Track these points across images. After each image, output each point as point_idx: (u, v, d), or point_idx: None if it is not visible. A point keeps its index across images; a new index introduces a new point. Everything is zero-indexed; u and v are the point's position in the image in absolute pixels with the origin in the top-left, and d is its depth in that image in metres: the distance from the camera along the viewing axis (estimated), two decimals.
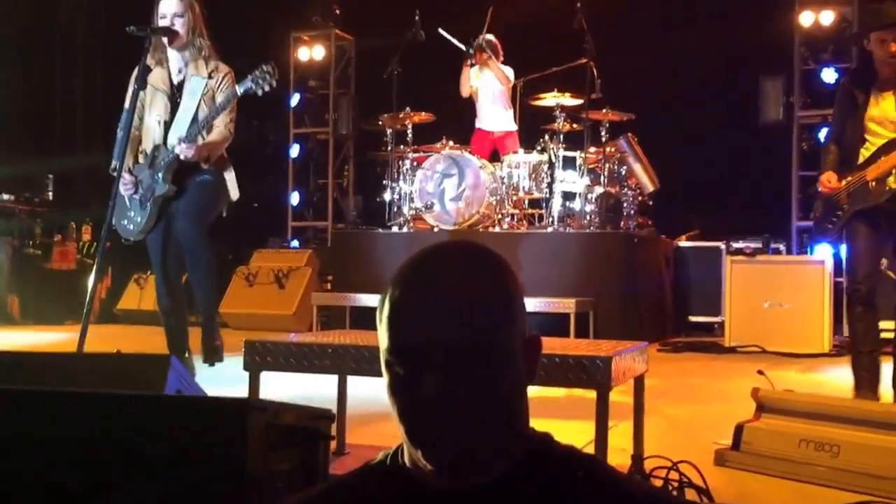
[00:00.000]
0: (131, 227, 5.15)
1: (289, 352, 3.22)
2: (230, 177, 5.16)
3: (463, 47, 9.47)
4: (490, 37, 9.51)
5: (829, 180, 4.90)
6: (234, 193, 5.15)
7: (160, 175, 4.99)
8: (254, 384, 3.28)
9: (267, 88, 4.91)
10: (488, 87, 9.48)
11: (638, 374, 3.52)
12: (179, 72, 5.10)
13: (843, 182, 4.88)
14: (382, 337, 1.39)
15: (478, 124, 9.51)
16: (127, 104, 4.92)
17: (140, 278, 10.42)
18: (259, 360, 3.25)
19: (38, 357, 2.99)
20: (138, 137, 5.11)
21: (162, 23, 4.97)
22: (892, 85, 4.86)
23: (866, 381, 4.86)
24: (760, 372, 4.00)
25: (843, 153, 4.97)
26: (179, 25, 4.99)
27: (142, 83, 4.75)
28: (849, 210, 4.86)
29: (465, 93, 9.55)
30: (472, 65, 9.45)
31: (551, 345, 3.36)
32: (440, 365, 1.32)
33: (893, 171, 4.72)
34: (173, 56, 5.10)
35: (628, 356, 3.31)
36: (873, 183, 4.76)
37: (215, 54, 5.14)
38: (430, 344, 1.33)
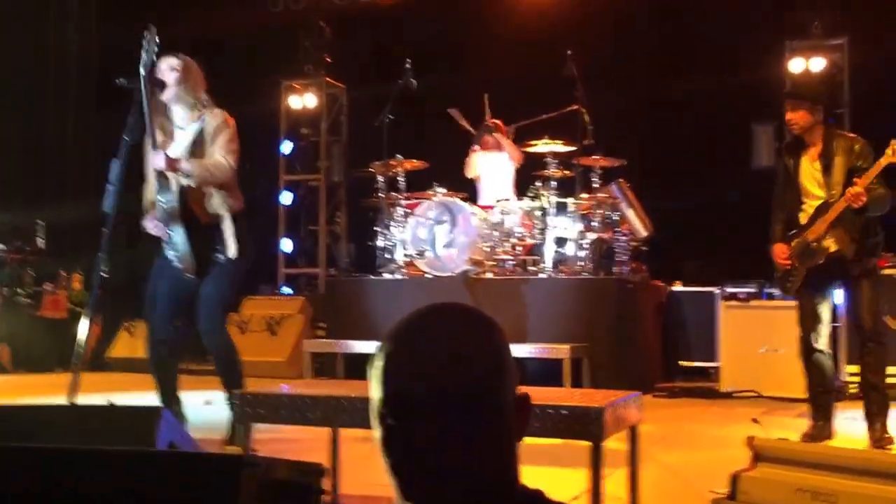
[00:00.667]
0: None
1: (280, 403, 3.20)
2: (229, 231, 5.05)
3: (473, 131, 9.51)
4: (495, 121, 9.55)
5: (782, 253, 5.60)
6: (231, 251, 5.05)
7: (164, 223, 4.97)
8: (245, 436, 3.25)
9: (155, 49, 4.83)
10: (496, 170, 9.49)
11: (632, 424, 3.49)
12: (179, 128, 5.10)
13: (793, 243, 5.56)
14: (375, 390, 1.40)
15: (479, 202, 9.41)
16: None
17: (130, 326, 10.38)
18: (251, 411, 3.23)
19: (28, 410, 2.95)
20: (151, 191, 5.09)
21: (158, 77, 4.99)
22: (815, 149, 5.53)
23: (820, 417, 5.59)
24: (755, 420, 3.98)
25: (787, 216, 5.65)
26: (171, 78, 5.00)
27: (131, 134, 4.73)
28: (800, 270, 5.56)
29: (469, 175, 9.58)
30: (478, 149, 9.51)
31: (544, 395, 3.33)
32: (432, 416, 1.33)
33: (828, 232, 5.41)
34: (174, 113, 5.11)
35: (622, 406, 3.29)
36: (814, 244, 5.46)
37: (212, 105, 5.14)
38: (423, 395, 1.34)
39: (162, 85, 4.97)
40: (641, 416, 3.60)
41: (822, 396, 5.65)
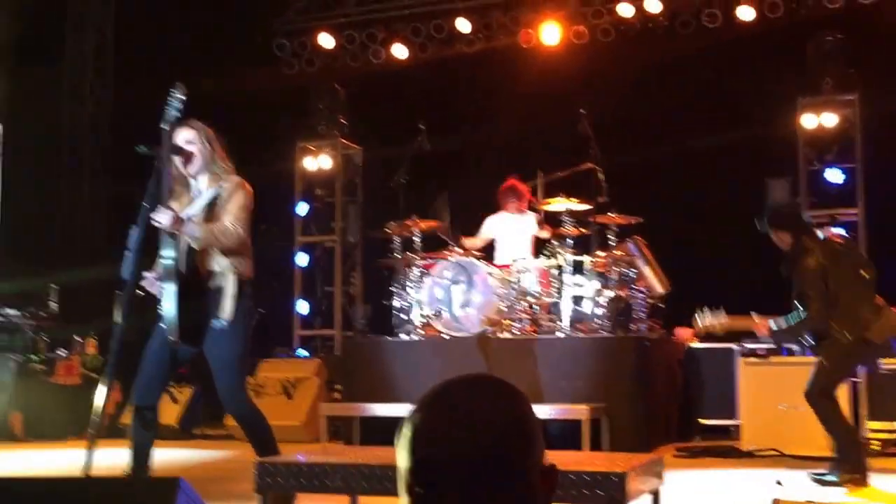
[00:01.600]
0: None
1: (299, 472, 3.16)
2: (229, 294, 4.97)
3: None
4: (521, 187, 9.54)
5: None
6: (226, 313, 4.94)
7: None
8: None
9: (178, 106, 4.85)
10: (515, 230, 9.48)
11: (654, 488, 3.43)
12: (199, 194, 5.11)
13: None
14: (402, 459, 1.44)
15: (496, 261, 9.34)
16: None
17: (134, 387, 10.31)
18: (270, 480, 3.18)
19: (42, 484, 2.91)
20: None
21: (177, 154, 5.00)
22: None
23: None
24: (779, 483, 3.91)
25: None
26: (194, 150, 5.01)
27: (150, 201, 4.74)
28: None
29: (471, 244, 9.49)
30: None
31: (565, 459, 3.29)
32: (460, 483, 1.38)
33: None
34: (193, 185, 5.12)
35: (644, 470, 3.24)
36: None
37: (231, 171, 5.15)
38: (450, 464, 1.39)
39: (179, 151, 4.99)
40: (662, 480, 3.55)
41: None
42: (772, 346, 8.92)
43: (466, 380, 1.51)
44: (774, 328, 6.21)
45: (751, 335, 9.59)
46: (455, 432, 1.40)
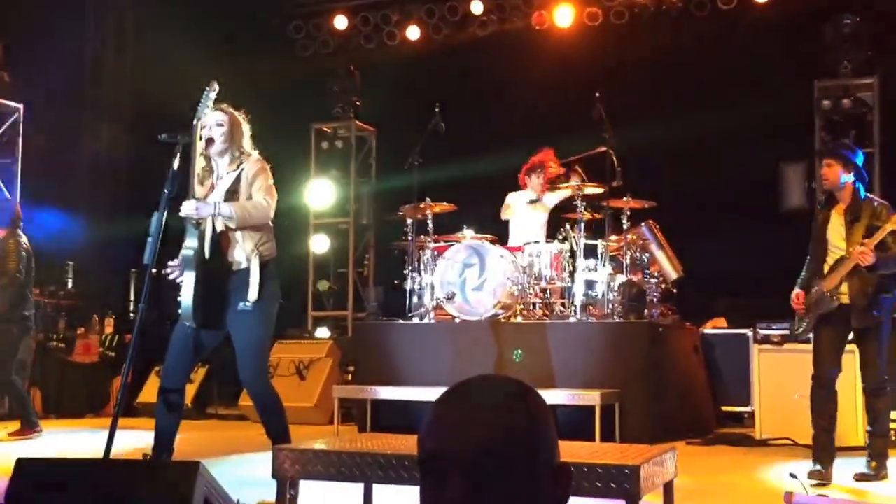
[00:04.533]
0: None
1: (317, 459, 3.18)
2: (255, 276, 5.00)
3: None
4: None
5: (797, 297, 6.14)
6: (253, 295, 4.99)
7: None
8: (282, 493, 3.23)
9: (210, 103, 5.00)
10: (529, 213, 9.46)
11: (668, 480, 3.45)
12: (219, 178, 5.16)
13: (812, 291, 6.06)
14: (420, 448, 1.53)
15: (509, 244, 9.32)
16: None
17: (161, 370, 10.38)
18: (288, 467, 3.21)
19: (65, 465, 2.95)
20: None
21: (204, 133, 5.06)
22: (843, 205, 6.03)
23: (821, 459, 5.90)
24: (793, 475, 3.92)
25: (815, 266, 6.14)
26: (218, 134, 5.07)
27: (171, 186, 4.79)
28: (813, 315, 6.05)
29: (506, 216, 9.57)
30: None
31: (577, 451, 3.30)
32: (464, 469, 1.44)
33: (840, 285, 5.89)
34: (218, 165, 5.17)
35: (658, 462, 3.25)
36: (828, 294, 5.94)
37: (250, 152, 5.22)
38: (461, 453, 1.46)
39: (208, 140, 5.05)
40: (677, 472, 3.56)
41: (824, 435, 6.01)
42: (785, 331, 8.90)
43: (484, 379, 1.58)
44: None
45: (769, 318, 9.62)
46: (468, 427, 1.47)
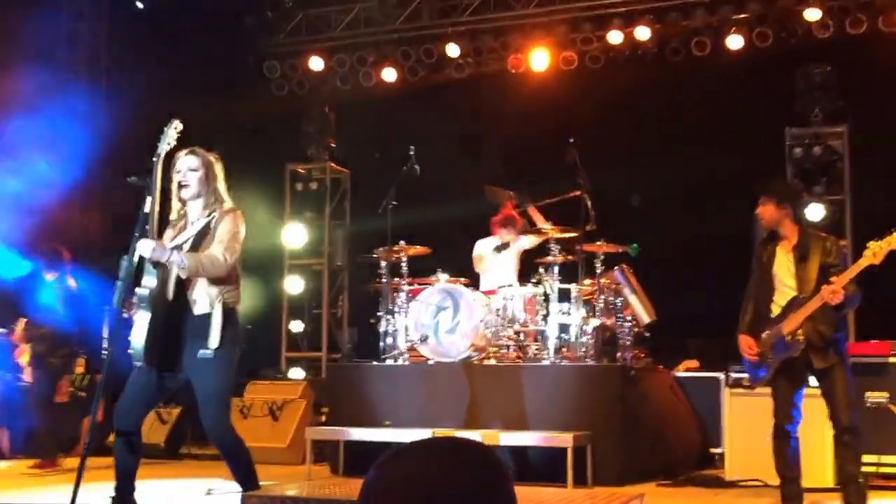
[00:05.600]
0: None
1: None
2: (216, 323, 4.95)
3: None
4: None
5: (750, 347, 5.90)
6: (213, 342, 4.94)
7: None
8: None
9: (172, 143, 5.00)
10: (502, 257, 9.54)
11: None
12: (192, 223, 5.14)
13: (764, 335, 5.82)
14: None
15: (482, 288, 9.39)
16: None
17: (114, 412, 10.29)
18: None
19: None
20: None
21: (176, 178, 5.05)
22: (789, 242, 5.86)
23: None
24: None
25: (758, 308, 5.93)
26: (193, 180, 5.05)
27: (141, 231, 4.78)
28: (774, 361, 5.80)
29: (479, 268, 9.67)
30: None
31: (546, 497, 3.30)
32: None
33: (803, 326, 5.64)
34: (190, 208, 5.14)
35: None
36: (789, 337, 5.69)
37: (224, 199, 5.18)
38: None
39: (182, 185, 5.04)
40: None
41: (791, 485, 5.93)
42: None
43: (430, 445, 1.46)
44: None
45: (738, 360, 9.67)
46: (410, 493, 1.37)
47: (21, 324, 9.51)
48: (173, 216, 5.16)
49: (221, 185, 5.19)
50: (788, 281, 5.84)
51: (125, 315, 4.92)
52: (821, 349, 5.72)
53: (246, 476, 4.95)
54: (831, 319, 5.70)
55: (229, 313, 5.02)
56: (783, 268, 5.87)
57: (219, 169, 5.20)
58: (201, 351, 4.90)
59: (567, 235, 8.92)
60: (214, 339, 4.91)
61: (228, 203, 5.17)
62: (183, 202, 5.13)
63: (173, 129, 5.01)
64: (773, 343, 5.81)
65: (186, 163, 5.07)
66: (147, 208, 4.84)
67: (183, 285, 4.95)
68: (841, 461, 5.95)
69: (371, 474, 1.42)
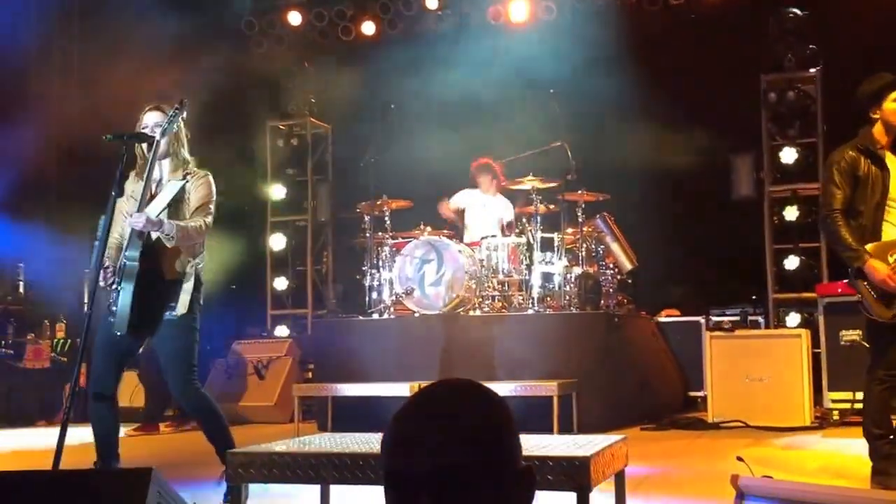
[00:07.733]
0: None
1: (272, 462, 3.22)
2: (187, 288, 4.97)
3: None
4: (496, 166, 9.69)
5: (887, 272, 4.76)
6: (182, 307, 4.95)
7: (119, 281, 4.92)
8: (236, 497, 3.27)
9: (181, 122, 5.01)
10: (487, 209, 9.65)
11: (619, 469, 3.53)
12: (159, 182, 5.11)
13: (893, 261, 4.78)
14: (382, 462, 1.52)
15: (466, 239, 9.45)
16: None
17: (89, 376, 10.26)
18: (242, 471, 3.24)
19: (14, 478, 2.93)
20: (117, 244, 5.05)
21: (141, 130, 5.02)
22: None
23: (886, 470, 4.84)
24: (740, 458, 4.00)
25: (865, 229, 4.92)
26: (159, 135, 5.02)
27: (118, 190, 4.76)
28: None
29: (445, 211, 9.77)
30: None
31: (529, 444, 3.37)
32: (430, 489, 1.44)
33: None
34: (159, 167, 5.11)
35: (608, 452, 3.33)
36: None
37: (195, 165, 5.17)
38: (420, 470, 1.45)
39: (146, 139, 5.00)
40: (626, 460, 3.64)
41: (886, 446, 4.93)
42: (736, 318, 9.16)
43: (445, 386, 1.57)
44: None
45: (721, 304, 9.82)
46: (426, 442, 1.46)
47: None
48: (131, 175, 5.10)
49: (186, 145, 5.17)
50: None
51: (101, 284, 4.88)
52: None
53: (220, 436, 4.99)
54: None
55: (198, 279, 5.05)
56: None
57: (183, 128, 5.17)
58: (168, 313, 4.94)
59: (548, 185, 8.96)
60: (184, 304, 4.95)
61: (201, 171, 5.14)
62: (151, 160, 5.04)
63: (184, 112, 4.99)
64: None
65: (153, 118, 5.04)
66: (132, 177, 4.81)
67: (155, 250, 4.92)
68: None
69: (390, 429, 1.52)
